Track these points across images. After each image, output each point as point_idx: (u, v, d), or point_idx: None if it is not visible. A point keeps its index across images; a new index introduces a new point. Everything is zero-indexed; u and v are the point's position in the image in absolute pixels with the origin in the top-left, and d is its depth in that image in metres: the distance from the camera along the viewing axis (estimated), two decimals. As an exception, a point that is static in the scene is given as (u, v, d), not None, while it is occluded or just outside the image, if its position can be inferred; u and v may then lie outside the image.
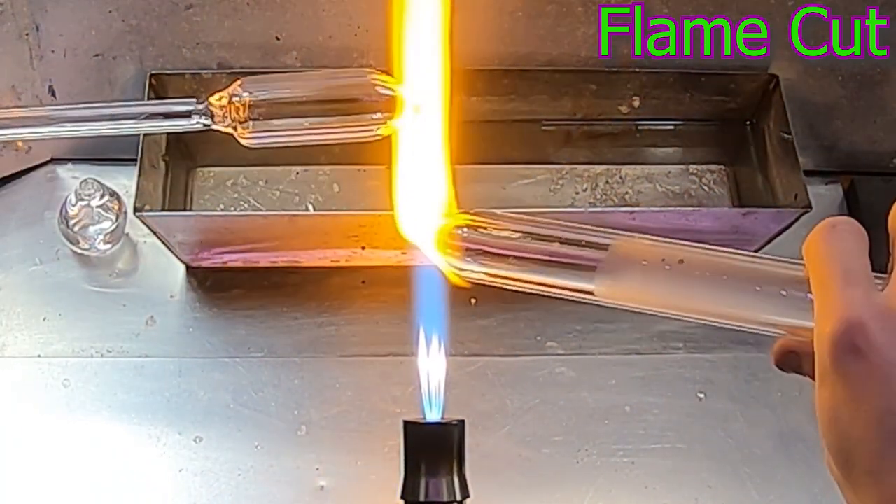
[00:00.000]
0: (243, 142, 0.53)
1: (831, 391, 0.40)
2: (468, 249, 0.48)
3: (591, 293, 0.47)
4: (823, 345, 0.40)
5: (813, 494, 0.82)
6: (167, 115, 0.54)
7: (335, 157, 0.96)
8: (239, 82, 0.53)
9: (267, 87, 0.53)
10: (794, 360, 0.45)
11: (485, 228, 0.49)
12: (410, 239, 0.51)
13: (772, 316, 0.44)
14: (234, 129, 0.53)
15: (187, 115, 0.53)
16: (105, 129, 0.54)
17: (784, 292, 0.43)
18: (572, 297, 0.47)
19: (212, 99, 0.53)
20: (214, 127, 0.53)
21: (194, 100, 0.54)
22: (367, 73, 0.52)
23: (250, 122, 0.53)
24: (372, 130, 0.53)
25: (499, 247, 0.48)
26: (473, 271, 0.49)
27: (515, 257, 0.48)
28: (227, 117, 0.53)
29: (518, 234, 0.48)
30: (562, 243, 0.47)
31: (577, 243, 0.47)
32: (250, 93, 0.53)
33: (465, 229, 0.49)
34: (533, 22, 0.91)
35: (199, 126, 0.54)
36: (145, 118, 0.54)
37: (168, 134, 0.93)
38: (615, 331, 0.90)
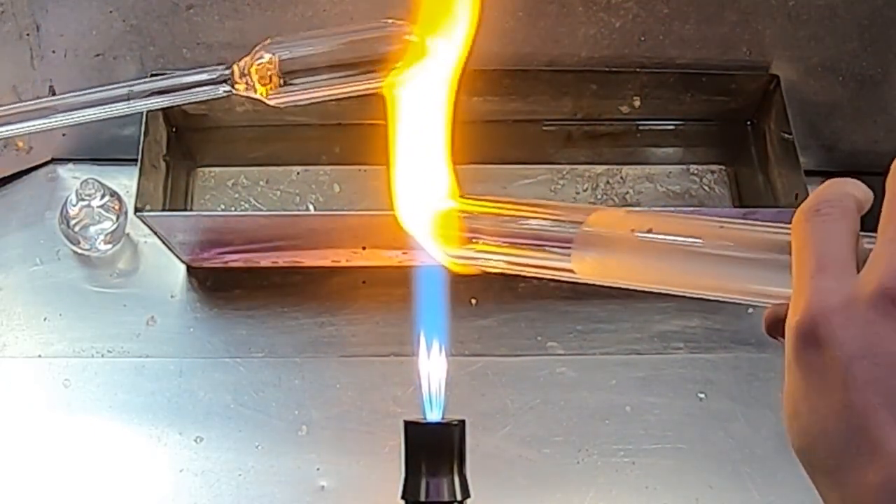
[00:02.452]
0: (270, 102, 0.53)
1: (793, 385, 0.39)
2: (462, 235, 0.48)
3: (570, 271, 0.45)
4: (788, 336, 0.38)
5: (814, 494, 0.82)
6: (192, 86, 0.54)
7: (336, 157, 0.97)
8: (264, 43, 0.53)
9: (290, 46, 0.53)
10: (783, 328, 0.42)
11: (470, 213, 0.48)
12: (407, 227, 0.50)
13: (756, 285, 0.42)
14: (261, 89, 0.53)
15: (215, 82, 0.53)
16: (135, 107, 0.54)
17: (768, 259, 0.41)
18: (557, 276, 0.46)
19: (235, 66, 0.53)
20: (239, 92, 0.53)
21: (221, 66, 0.54)
22: (388, 24, 0.52)
23: (276, 83, 0.52)
24: (394, 79, 0.52)
25: (486, 232, 0.47)
26: (465, 256, 0.48)
27: (500, 240, 0.47)
28: (250, 81, 0.53)
29: (501, 217, 0.47)
30: (542, 221, 0.46)
31: (556, 220, 0.46)
32: (274, 53, 0.52)
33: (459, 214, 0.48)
34: (534, 22, 0.91)
35: (222, 93, 0.53)
36: (171, 91, 0.54)
37: (169, 134, 0.93)
38: (616, 331, 0.90)
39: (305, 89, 0.53)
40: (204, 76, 0.54)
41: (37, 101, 0.54)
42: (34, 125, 0.54)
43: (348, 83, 0.53)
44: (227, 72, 0.53)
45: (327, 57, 0.53)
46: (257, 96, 0.53)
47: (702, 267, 0.43)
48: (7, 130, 0.54)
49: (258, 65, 0.52)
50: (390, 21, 0.52)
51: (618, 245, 0.44)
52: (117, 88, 0.54)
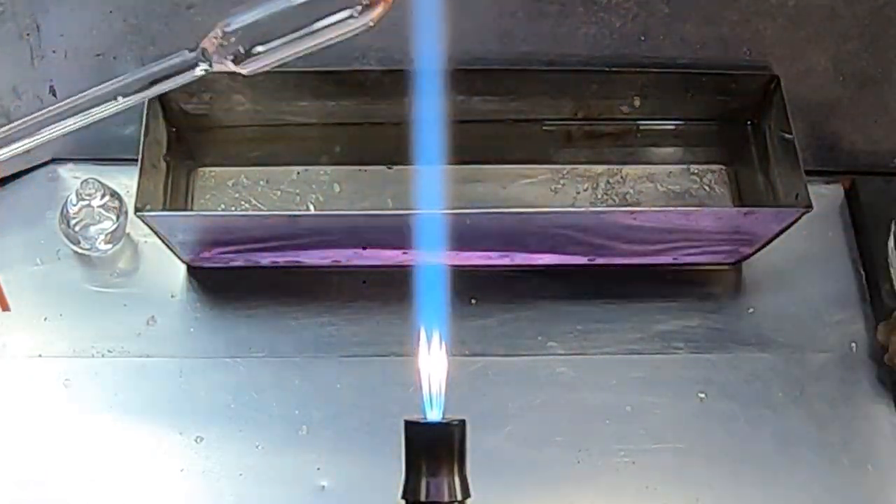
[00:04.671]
0: (243, 71, 0.54)
1: None
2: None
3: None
4: None
5: (814, 495, 0.82)
6: (169, 76, 0.55)
7: (336, 157, 0.97)
8: (224, 22, 0.54)
9: (249, 11, 0.54)
10: None
11: None
12: None
13: None
14: (232, 61, 0.54)
15: (190, 67, 0.54)
16: (112, 109, 0.55)
17: None
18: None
19: (203, 42, 0.54)
20: (215, 68, 0.54)
21: (186, 50, 0.55)
22: None
23: (245, 51, 0.53)
24: (361, 22, 0.53)
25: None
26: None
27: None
28: (221, 55, 0.54)
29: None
30: None
31: None
32: (235, 22, 0.53)
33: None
34: (534, 22, 0.91)
35: (202, 73, 0.54)
36: (149, 85, 0.55)
37: (169, 134, 0.93)
38: (616, 331, 0.90)
39: (275, 50, 0.54)
40: (178, 60, 0.55)
41: (22, 120, 0.55)
42: (26, 143, 0.55)
43: (318, 34, 0.54)
44: (199, 52, 0.54)
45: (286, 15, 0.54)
46: (232, 68, 0.54)
47: None
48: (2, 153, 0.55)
49: (222, 38, 0.53)
50: None
51: None
52: (103, 89, 0.55)
